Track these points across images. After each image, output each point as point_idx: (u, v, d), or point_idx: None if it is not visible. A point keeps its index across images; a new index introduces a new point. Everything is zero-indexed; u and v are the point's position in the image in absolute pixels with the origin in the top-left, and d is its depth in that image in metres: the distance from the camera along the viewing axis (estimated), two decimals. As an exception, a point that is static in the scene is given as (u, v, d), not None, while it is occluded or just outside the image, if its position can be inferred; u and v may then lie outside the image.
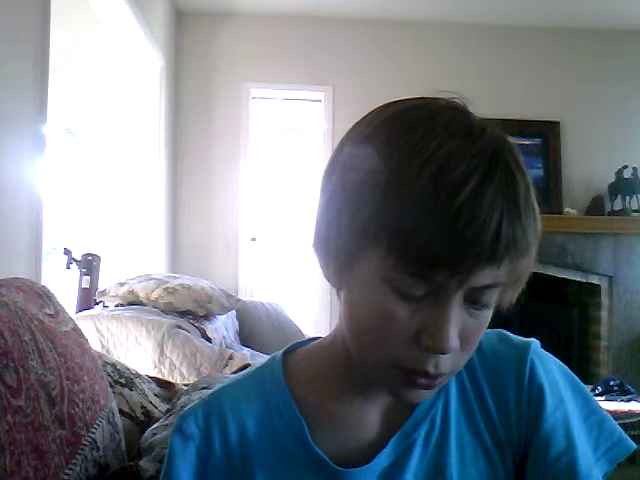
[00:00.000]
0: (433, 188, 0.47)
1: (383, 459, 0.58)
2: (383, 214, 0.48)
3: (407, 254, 0.48)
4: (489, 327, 0.63)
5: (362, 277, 0.52)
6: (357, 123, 0.56)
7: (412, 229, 0.47)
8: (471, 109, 0.54)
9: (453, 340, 0.49)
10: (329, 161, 0.56)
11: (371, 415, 0.60)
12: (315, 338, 0.66)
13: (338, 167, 0.54)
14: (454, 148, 0.48)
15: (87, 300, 2.71)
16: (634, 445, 0.61)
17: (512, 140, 0.53)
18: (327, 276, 0.57)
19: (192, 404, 0.63)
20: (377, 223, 0.49)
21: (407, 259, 0.48)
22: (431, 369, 0.51)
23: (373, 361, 0.53)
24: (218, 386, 0.65)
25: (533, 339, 0.62)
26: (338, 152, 0.55)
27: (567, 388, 0.61)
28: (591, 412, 0.61)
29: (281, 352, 0.65)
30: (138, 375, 1.20)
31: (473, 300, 0.50)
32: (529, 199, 0.50)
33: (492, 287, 0.50)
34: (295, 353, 0.65)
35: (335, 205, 0.52)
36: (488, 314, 0.52)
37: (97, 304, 2.61)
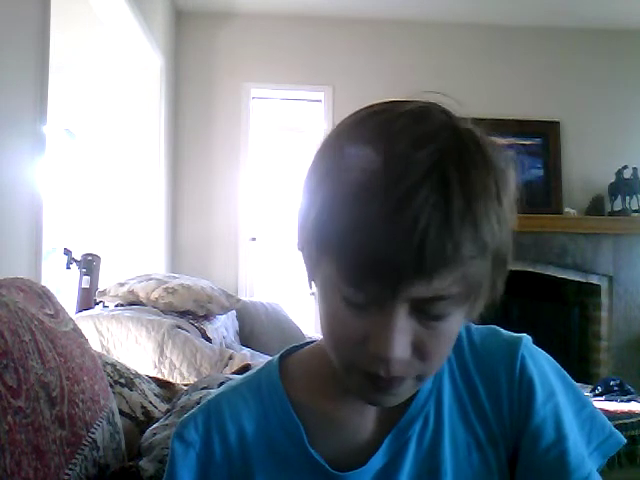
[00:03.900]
0: (359, 198, 0.47)
1: (378, 460, 0.59)
2: (322, 224, 0.49)
3: (340, 264, 0.49)
4: (484, 324, 0.64)
5: (321, 282, 0.54)
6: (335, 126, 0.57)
7: (341, 239, 0.48)
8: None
9: (398, 349, 0.49)
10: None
11: (367, 417, 0.61)
12: (312, 341, 0.67)
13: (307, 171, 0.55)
14: (390, 158, 0.47)
15: (87, 300, 2.71)
16: (624, 439, 0.62)
17: (488, 146, 0.51)
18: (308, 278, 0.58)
19: (191, 411, 0.64)
20: (319, 232, 0.50)
21: (341, 269, 0.49)
22: (382, 373, 0.51)
23: (338, 363, 0.55)
24: (216, 392, 0.66)
25: (524, 335, 0.63)
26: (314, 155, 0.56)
27: (558, 383, 0.61)
28: (582, 407, 0.61)
29: (277, 356, 0.66)
30: (138, 375, 1.20)
31: (422, 311, 0.49)
32: (470, 211, 0.47)
33: (439, 300, 0.48)
34: (292, 357, 0.66)
35: (299, 212, 0.54)
36: (445, 326, 0.51)
37: (97, 304, 2.61)
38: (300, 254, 0.57)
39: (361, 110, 0.54)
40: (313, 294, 0.57)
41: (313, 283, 0.56)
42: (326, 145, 0.54)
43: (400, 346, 0.49)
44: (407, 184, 0.46)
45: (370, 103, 0.57)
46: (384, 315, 0.49)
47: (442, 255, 0.46)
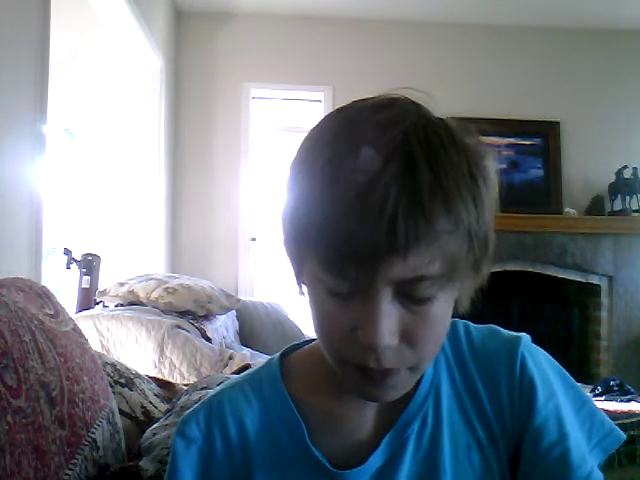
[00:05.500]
0: (329, 186, 0.48)
1: (377, 459, 0.59)
2: (298, 217, 0.51)
3: (319, 254, 0.49)
4: (482, 323, 0.63)
5: (308, 278, 0.54)
6: None
7: (316, 228, 0.49)
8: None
9: (386, 336, 0.49)
10: None
11: (366, 415, 0.61)
12: (312, 340, 0.67)
13: None
14: (356, 143, 0.48)
15: (87, 300, 2.71)
16: (624, 435, 0.62)
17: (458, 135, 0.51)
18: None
19: (192, 408, 0.64)
20: (297, 226, 0.51)
21: (321, 259, 0.49)
22: (372, 364, 0.51)
23: (332, 359, 0.55)
24: (217, 389, 0.66)
25: (523, 334, 0.63)
26: None
27: (558, 381, 0.61)
28: (583, 404, 0.62)
29: (278, 354, 0.66)
30: (138, 375, 1.20)
31: (407, 295, 0.49)
32: (439, 185, 0.47)
33: (421, 280, 0.48)
34: (292, 355, 0.66)
35: (282, 213, 0.55)
36: (432, 310, 0.50)
37: (97, 304, 2.61)
38: (288, 259, 0.57)
39: (331, 111, 0.56)
40: (302, 293, 0.57)
41: (302, 283, 0.57)
42: (298, 151, 0.55)
43: (387, 332, 0.49)
44: (373, 165, 0.47)
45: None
46: (369, 302, 0.49)
47: (414, 231, 0.46)
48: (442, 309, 0.52)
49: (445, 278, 0.49)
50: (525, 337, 0.62)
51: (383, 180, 0.46)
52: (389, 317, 0.49)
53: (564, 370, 0.63)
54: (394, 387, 0.54)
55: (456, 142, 0.50)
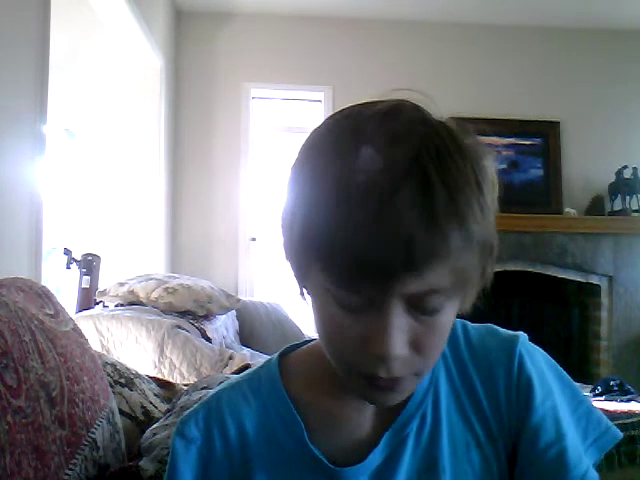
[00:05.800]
0: (342, 201, 0.47)
1: (376, 456, 0.59)
2: (308, 232, 0.50)
3: (330, 269, 0.49)
4: (482, 323, 0.64)
5: (314, 289, 0.54)
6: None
7: (328, 245, 0.48)
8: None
9: (397, 347, 0.49)
10: None
11: (365, 414, 0.61)
12: (311, 339, 0.67)
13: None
14: (368, 160, 0.48)
15: (87, 300, 2.71)
16: (620, 434, 0.62)
17: (463, 139, 0.51)
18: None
19: (191, 408, 0.64)
20: (306, 240, 0.50)
21: (332, 274, 0.49)
22: (383, 374, 0.51)
23: (339, 368, 0.55)
24: (216, 389, 0.66)
25: (521, 333, 0.63)
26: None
27: (555, 380, 0.62)
28: (579, 403, 0.62)
29: (277, 354, 0.66)
30: (138, 375, 1.20)
31: (417, 307, 0.50)
32: (453, 203, 0.47)
33: (432, 294, 0.49)
34: (291, 355, 0.66)
35: (284, 222, 0.54)
36: (440, 320, 0.51)
37: (97, 304, 2.61)
38: (288, 262, 0.56)
39: (334, 114, 0.54)
40: (302, 295, 0.57)
41: (304, 290, 0.56)
42: (302, 154, 0.54)
43: (399, 344, 0.49)
44: (387, 184, 0.46)
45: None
46: (380, 315, 0.49)
47: (431, 250, 0.46)
48: (448, 317, 0.52)
49: (457, 290, 0.50)
50: (523, 336, 0.63)
51: (398, 201, 0.46)
52: (400, 330, 0.49)
53: (561, 369, 0.64)
54: (399, 392, 0.54)
55: (462, 149, 0.50)
